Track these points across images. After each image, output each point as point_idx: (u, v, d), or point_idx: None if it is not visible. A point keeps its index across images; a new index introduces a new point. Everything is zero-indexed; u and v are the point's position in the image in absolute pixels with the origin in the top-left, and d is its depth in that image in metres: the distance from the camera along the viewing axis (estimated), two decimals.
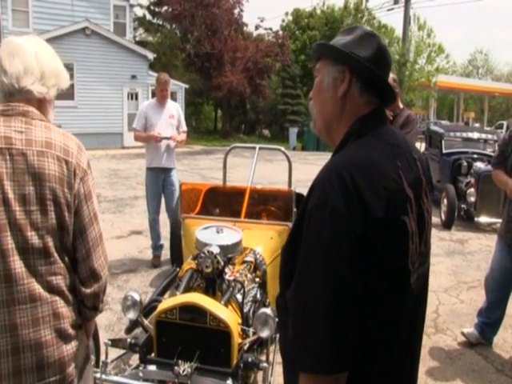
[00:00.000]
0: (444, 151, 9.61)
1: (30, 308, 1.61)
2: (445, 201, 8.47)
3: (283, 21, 36.32)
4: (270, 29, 30.70)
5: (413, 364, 1.43)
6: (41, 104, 1.75)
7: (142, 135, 5.73)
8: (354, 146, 1.36)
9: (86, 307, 1.80)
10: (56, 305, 1.67)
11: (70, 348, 1.71)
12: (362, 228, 1.18)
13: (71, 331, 1.72)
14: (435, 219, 8.11)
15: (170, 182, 5.78)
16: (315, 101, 1.47)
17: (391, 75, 4.41)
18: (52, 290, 1.66)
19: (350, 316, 1.18)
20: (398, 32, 29.01)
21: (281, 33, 31.07)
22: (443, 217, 8.48)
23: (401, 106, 4.36)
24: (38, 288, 1.62)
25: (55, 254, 1.66)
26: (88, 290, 1.76)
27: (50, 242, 1.64)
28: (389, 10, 28.47)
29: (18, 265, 1.58)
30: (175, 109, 5.87)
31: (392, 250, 1.24)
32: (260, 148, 4.90)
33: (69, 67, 19.54)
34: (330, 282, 1.18)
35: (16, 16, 20.24)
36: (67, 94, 19.64)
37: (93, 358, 2.85)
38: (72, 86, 19.89)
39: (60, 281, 1.69)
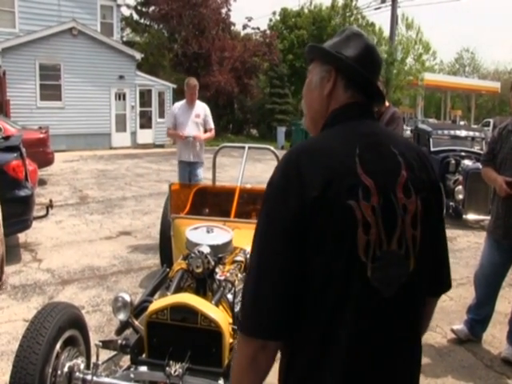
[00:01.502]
0: (432, 149, 9.65)
1: None
2: None
3: (271, 20, 36.33)
4: (258, 28, 30.70)
5: (379, 367, 1.32)
6: None
7: (171, 132, 6.62)
8: (318, 135, 1.46)
9: None
10: None
11: None
12: (299, 206, 1.22)
13: None
14: None
15: (195, 173, 6.50)
16: (305, 99, 1.54)
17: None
18: None
19: (278, 287, 1.23)
20: (386, 31, 29.15)
21: (268, 32, 31.08)
22: None
23: (386, 104, 4.38)
24: None
25: None
26: None
27: None
28: (376, 9, 28.59)
29: None
30: (202, 109, 6.59)
31: (332, 233, 1.23)
32: (249, 147, 4.89)
33: (56, 68, 19.49)
34: (261, 254, 1.26)
35: (2, 16, 20.04)
36: (54, 95, 19.53)
37: (83, 359, 2.83)
38: (59, 86, 19.76)
39: None
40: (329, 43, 1.50)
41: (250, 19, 30.66)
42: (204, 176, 6.87)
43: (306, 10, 34.78)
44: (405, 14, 28.65)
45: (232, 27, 30.97)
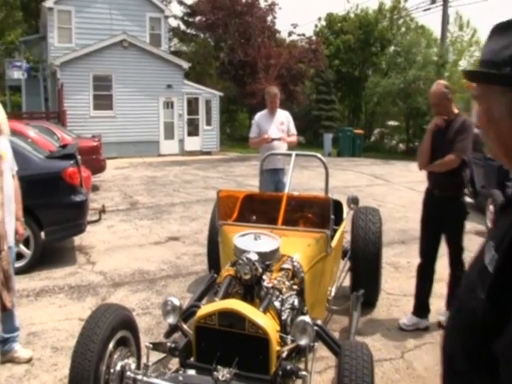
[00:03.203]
0: (488, 155, 9.36)
1: None
2: (491, 207, 8.16)
3: (316, 26, 36.26)
4: (303, 35, 30.68)
5: None
6: None
7: (255, 141, 6.27)
8: None
9: None
10: None
11: None
12: None
13: None
14: (480, 227, 7.94)
15: (282, 181, 6.08)
16: (487, 131, 1.24)
17: (442, 82, 4.35)
18: None
19: None
20: (436, 33, 28.38)
21: (314, 38, 31.02)
22: (489, 224, 8.24)
23: (456, 111, 4.28)
24: None
25: None
26: None
27: None
28: (425, 10, 27.87)
29: None
30: (285, 116, 6.33)
31: None
32: (296, 155, 4.93)
33: (108, 79, 20.12)
34: None
35: (61, 33, 21.01)
36: (106, 105, 20.17)
37: (134, 360, 2.92)
38: (111, 96, 20.38)
39: None
40: (499, 53, 1.06)
41: (295, 26, 30.70)
42: (251, 183, 6.88)
43: (351, 15, 34.50)
44: (459, 13, 27.51)
45: (277, 34, 31.09)
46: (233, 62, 28.06)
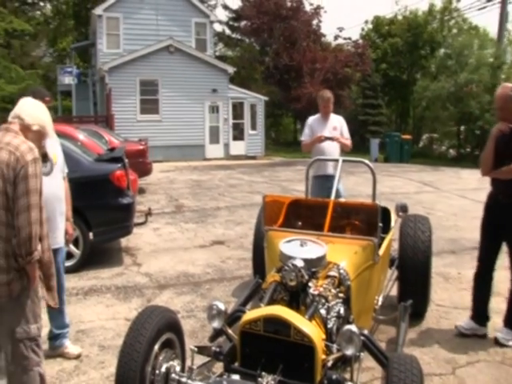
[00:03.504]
0: None
1: None
2: None
3: (363, 29, 35.93)
4: (349, 38, 30.47)
5: None
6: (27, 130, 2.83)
7: (307, 142, 6.06)
8: None
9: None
10: None
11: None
12: None
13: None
14: None
15: (337, 189, 5.78)
16: None
17: (508, 85, 4.16)
18: None
19: None
20: (492, 33, 27.34)
21: (360, 42, 30.72)
22: None
23: None
24: None
25: (1, 211, 2.63)
26: (15, 241, 2.61)
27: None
28: (480, 9, 27.00)
29: None
30: (338, 121, 6.15)
31: None
32: (343, 160, 4.87)
33: (154, 83, 20.52)
34: None
35: (109, 39, 21.65)
36: (152, 109, 20.58)
37: (179, 362, 2.93)
38: (157, 101, 20.78)
39: None
40: None
41: (341, 29, 30.54)
42: (296, 188, 6.79)
43: (399, 17, 33.98)
44: None
45: (323, 38, 30.97)
46: (278, 67, 28.12)
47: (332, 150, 5.88)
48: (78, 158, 6.24)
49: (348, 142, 6.04)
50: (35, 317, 2.77)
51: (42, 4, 35.81)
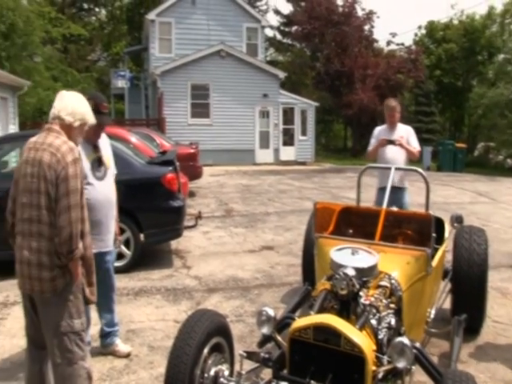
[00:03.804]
0: None
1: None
2: None
3: (416, 35, 35.32)
4: (402, 44, 30.04)
5: None
6: (69, 128, 2.91)
7: (371, 148, 5.89)
8: None
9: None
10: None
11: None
12: None
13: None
14: None
15: (401, 202, 5.61)
16: None
17: None
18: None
19: None
20: None
21: (414, 47, 30.19)
22: None
23: None
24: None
25: (43, 211, 2.74)
26: (56, 240, 2.71)
27: (42, 202, 2.72)
28: None
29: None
30: (405, 131, 5.90)
31: None
32: (396, 169, 4.77)
33: (205, 87, 20.81)
34: None
35: (162, 44, 22.15)
36: (203, 113, 20.87)
37: (228, 366, 2.94)
38: (208, 105, 21.06)
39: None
40: None
41: (394, 35, 30.15)
42: (347, 195, 6.71)
43: (455, 22, 33.17)
44: None
45: (375, 44, 30.63)
46: (329, 72, 27.98)
47: (396, 157, 5.63)
48: (131, 161, 6.37)
49: (413, 149, 5.73)
50: (79, 312, 2.86)
51: (97, 10, 37.14)
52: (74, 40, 31.73)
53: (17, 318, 4.53)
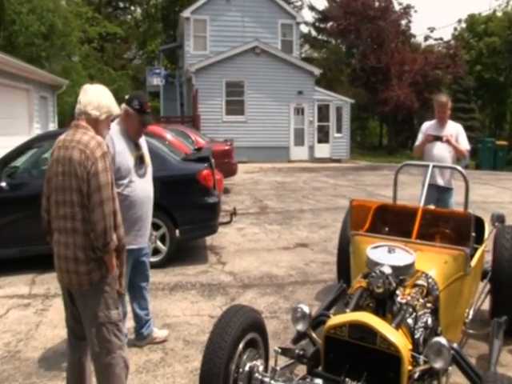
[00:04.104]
0: None
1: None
2: None
3: (455, 29, 34.59)
4: (441, 39, 29.49)
5: None
6: (96, 122, 2.93)
7: (418, 144, 5.71)
8: None
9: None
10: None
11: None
12: None
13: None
14: None
15: (445, 203, 5.41)
16: None
17: None
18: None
19: None
20: None
21: (453, 42, 29.54)
22: None
23: None
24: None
25: (76, 208, 2.80)
26: (92, 234, 2.77)
27: (75, 199, 2.79)
28: None
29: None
30: (455, 129, 5.67)
31: None
32: (434, 166, 4.69)
33: (240, 84, 20.88)
34: None
35: (196, 41, 22.31)
36: (238, 110, 20.95)
37: (262, 362, 2.95)
38: (242, 102, 21.12)
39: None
40: None
41: (432, 30, 29.66)
42: (382, 193, 6.60)
43: (499, 14, 32.19)
44: None
45: (412, 39, 30.12)
46: (364, 69, 27.67)
47: (444, 155, 5.44)
48: (166, 157, 6.45)
49: (462, 147, 5.51)
50: (115, 303, 2.93)
51: (132, 8, 37.65)
52: (110, 39, 32.28)
53: (57, 309, 4.66)
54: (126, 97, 3.85)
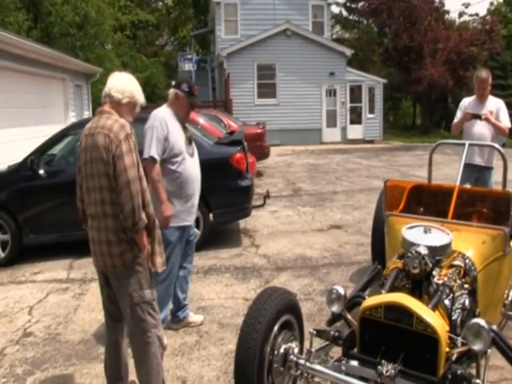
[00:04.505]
0: None
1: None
2: None
3: (491, 4, 33.37)
4: (476, 14, 28.41)
5: None
6: (118, 105, 3.02)
7: (456, 122, 5.49)
8: None
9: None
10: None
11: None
12: None
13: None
14: None
15: (484, 183, 5.23)
16: None
17: None
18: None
19: None
20: None
21: (489, 18, 28.53)
22: None
23: None
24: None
25: (105, 192, 2.88)
26: (121, 216, 2.84)
27: (103, 184, 2.86)
28: None
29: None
30: (495, 105, 5.48)
31: None
32: (470, 145, 4.57)
33: (271, 67, 20.75)
34: None
35: (227, 25, 22.20)
36: (270, 93, 20.86)
37: (297, 344, 2.96)
38: (274, 85, 21.00)
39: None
40: None
41: (466, 5, 28.57)
42: (416, 174, 6.49)
43: None
44: None
45: (446, 16, 29.23)
46: (397, 48, 27.05)
47: (484, 133, 5.26)
48: (199, 141, 6.43)
49: (503, 125, 5.28)
50: (148, 282, 3.00)
51: None
52: (142, 26, 32.43)
53: (94, 293, 4.78)
54: (173, 82, 4.03)
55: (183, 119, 4.01)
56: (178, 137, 3.88)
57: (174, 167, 3.85)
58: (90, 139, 2.93)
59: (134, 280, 2.93)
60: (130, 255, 2.91)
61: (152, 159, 3.74)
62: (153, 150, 3.74)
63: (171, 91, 3.95)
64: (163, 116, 3.83)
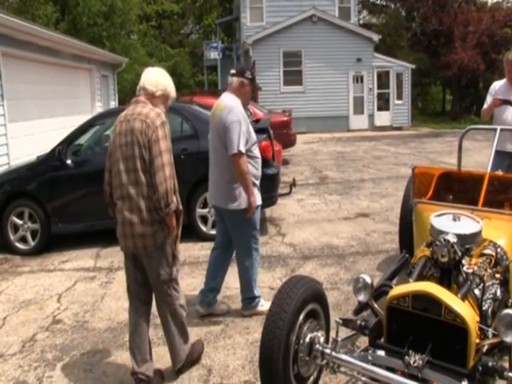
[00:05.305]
0: None
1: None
2: None
3: None
4: None
5: None
6: (152, 97, 3.18)
7: (485, 107, 5.26)
8: None
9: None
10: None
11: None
12: None
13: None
14: None
15: None
16: None
17: None
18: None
19: None
20: None
21: None
22: None
23: None
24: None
25: (140, 173, 3.04)
26: (154, 197, 3.00)
27: (138, 166, 3.02)
28: None
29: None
30: None
31: None
32: (501, 130, 4.43)
33: (297, 54, 20.57)
34: None
35: (253, 12, 22.05)
36: (296, 80, 20.70)
37: (323, 333, 2.92)
38: (300, 72, 20.82)
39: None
40: None
41: None
42: (445, 160, 6.36)
43: None
44: None
45: None
46: (426, 32, 26.47)
47: None
48: None
49: None
50: (174, 260, 3.24)
51: None
52: (168, 15, 32.48)
53: (121, 282, 4.82)
54: (232, 71, 4.16)
55: (245, 104, 4.21)
56: (249, 125, 4.08)
57: (253, 154, 4.08)
58: (125, 124, 3.09)
59: (163, 259, 3.15)
60: (161, 236, 3.08)
61: (240, 153, 3.87)
62: (241, 145, 3.87)
63: (235, 79, 4.08)
64: (241, 109, 4.00)
